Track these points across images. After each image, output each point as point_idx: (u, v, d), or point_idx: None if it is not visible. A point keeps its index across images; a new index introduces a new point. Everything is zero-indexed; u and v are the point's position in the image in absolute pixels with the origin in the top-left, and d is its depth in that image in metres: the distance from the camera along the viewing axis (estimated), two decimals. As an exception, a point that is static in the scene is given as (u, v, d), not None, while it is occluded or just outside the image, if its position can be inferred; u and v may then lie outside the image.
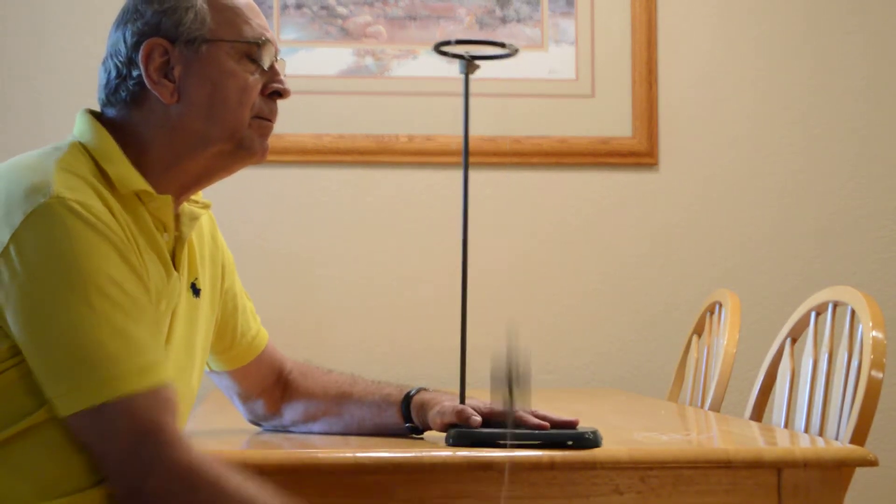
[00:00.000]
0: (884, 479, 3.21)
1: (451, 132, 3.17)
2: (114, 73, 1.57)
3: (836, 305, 2.26)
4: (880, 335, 2.05)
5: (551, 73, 3.28)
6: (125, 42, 1.56)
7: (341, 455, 1.66)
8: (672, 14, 3.34)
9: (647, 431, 1.94)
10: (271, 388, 1.91)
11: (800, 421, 2.23)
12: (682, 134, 3.33)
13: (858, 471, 1.90)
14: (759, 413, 2.45)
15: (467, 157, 1.79)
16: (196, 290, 1.66)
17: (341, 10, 3.24)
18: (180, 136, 1.55)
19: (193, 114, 1.55)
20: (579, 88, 3.29)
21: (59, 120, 3.12)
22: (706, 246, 3.33)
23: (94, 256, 1.39)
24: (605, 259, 3.30)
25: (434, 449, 1.69)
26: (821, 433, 2.15)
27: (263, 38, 1.58)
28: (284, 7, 3.21)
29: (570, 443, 1.69)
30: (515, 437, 1.71)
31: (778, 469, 1.73)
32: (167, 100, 1.54)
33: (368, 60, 3.25)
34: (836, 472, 1.75)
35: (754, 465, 1.73)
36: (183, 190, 1.60)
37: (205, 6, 1.56)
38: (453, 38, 1.77)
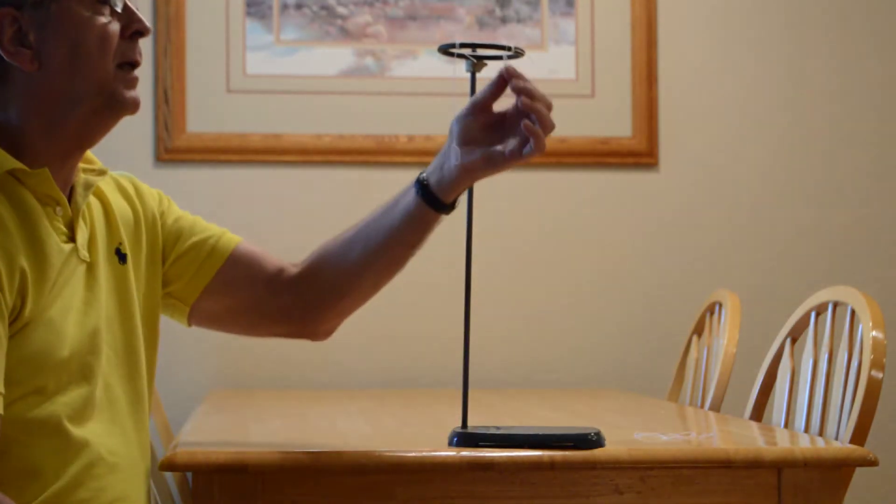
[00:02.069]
0: (884, 479, 3.21)
1: (451, 132, 3.16)
2: None
3: (836, 305, 2.26)
4: (880, 335, 2.05)
5: (551, 73, 3.28)
6: None
7: (341, 455, 1.66)
8: (672, 14, 3.34)
9: (647, 431, 1.94)
10: (277, 286, 1.78)
11: (800, 421, 2.23)
12: (682, 134, 3.33)
13: (858, 471, 1.89)
14: (759, 413, 2.44)
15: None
16: (122, 256, 1.62)
17: (341, 10, 3.23)
18: (49, 102, 1.51)
19: (57, 75, 1.50)
20: (579, 88, 3.29)
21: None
22: (706, 246, 3.33)
23: None
24: (605, 259, 3.30)
25: (434, 449, 1.69)
26: (821, 433, 2.15)
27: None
28: (284, 7, 3.21)
29: (570, 444, 1.69)
30: (517, 437, 1.71)
31: (778, 469, 1.73)
32: (28, 67, 1.49)
33: (368, 60, 3.25)
34: (837, 472, 1.75)
35: (754, 465, 1.73)
36: (66, 157, 1.56)
37: None
38: (454, 38, 1.78)
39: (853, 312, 2.16)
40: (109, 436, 1.54)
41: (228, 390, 2.94)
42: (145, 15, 1.58)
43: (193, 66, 3.18)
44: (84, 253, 1.55)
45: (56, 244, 1.51)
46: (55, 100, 1.51)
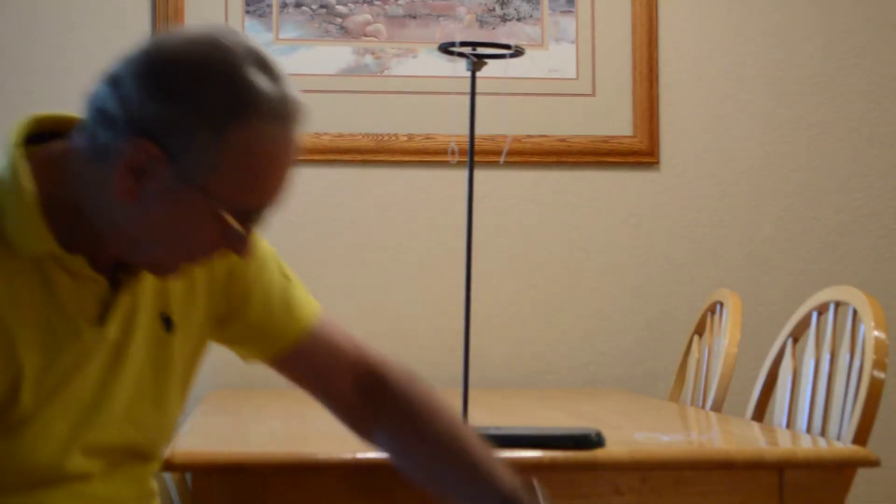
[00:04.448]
0: (886, 479, 3.20)
1: (450, 131, 3.16)
2: (91, 114, 1.31)
3: (837, 305, 2.25)
4: (882, 335, 2.05)
5: (551, 72, 3.27)
6: (124, 105, 1.28)
7: (341, 455, 1.65)
8: (673, 12, 3.33)
9: (648, 432, 1.93)
10: (348, 392, 1.60)
11: (801, 421, 2.22)
12: (683, 133, 3.32)
13: (860, 471, 1.89)
14: (760, 413, 2.44)
15: (472, 154, 1.78)
16: (168, 323, 1.44)
17: (341, 8, 3.23)
18: (111, 227, 1.32)
19: (135, 225, 1.31)
20: (580, 87, 3.28)
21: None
22: (707, 245, 3.32)
23: None
24: (606, 258, 3.29)
25: (434, 449, 1.68)
26: (822, 433, 2.14)
27: (260, 211, 1.32)
28: (283, 5, 3.21)
29: (571, 444, 1.68)
30: (517, 437, 1.70)
31: (780, 469, 1.72)
32: (120, 197, 1.28)
33: (368, 59, 3.24)
34: (838, 472, 1.75)
35: (756, 466, 1.72)
36: (101, 260, 1.37)
37: (225, 154, 1.27)
38: (454, 37, 1.77)
39: (855, 312, 2.15)
40: (107, 484, 1.42)
41: (228, 390, 2.93)
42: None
43: (193, 65, 3.17)
44: (114, 331, 1.39)
45: (77, 329, 1.35)
46: (116, 231, 1.32)
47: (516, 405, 2.56)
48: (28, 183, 1.31)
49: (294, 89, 1.31)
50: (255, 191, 1.30)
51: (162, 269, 1.37)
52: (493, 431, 1.72)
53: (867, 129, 3.38)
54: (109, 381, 1.39)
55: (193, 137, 1.26)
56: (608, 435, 1.72)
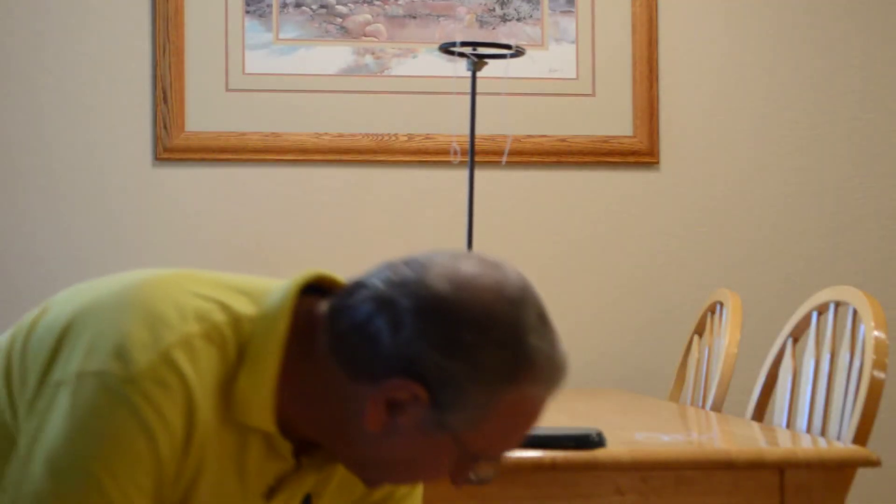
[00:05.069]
0: (886, 479, 3.20)
1: (450, 131, 3.16)
2: (354, 327, 1.26)
3: (837, 305, 2.25)
4: (882, 335, 2.05)
5: (552, 72, 3.27)
6: (398, 338, 1.23)
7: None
8: (673, 12, 3.33)
9: (649, 432, 1.93)
10: None
11: (801, 421, 2.22)
12: (683, 133, 3.32)
13: (860, 471, 1.89)
14: (760, 413, 2.44)
15: (473, 154, 1.78)
16: (307, 501, 1.39)
17: (341, 8, 3.23)
18: (339, 437, 1.29)
19: (369, 447, 1.28)
20: (580, 87, 3.28)
21: (58, 120, 3.11)
22: (707, 245, 3.32)
23: (114, 455, 1.19)
24: (606, 258, 3.29)
25: (434, 449, 1.68)
26: (823, 433, 2.14)
27: (498, 457, 1.30)
28: (284, 5, 3.21)
29: (572, 444, 1.68)
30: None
31: (780, 469, 1.72)
32: (367, 425, 1.25)
33: (368, 59, 3.24)
34: (839, 472, 1.75)
35: (756, 466, 1.72)
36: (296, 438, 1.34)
37: (490, 413, 1.24)
38: (454, 37, 1.77)
39: (855, 312, 2.15)
40: None
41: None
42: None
43: (192, 65, 3.17)
44: None
45: (245, 497, 1.32)
46: (349, 446, 1.29)
47: (516, 405, 2.56)
48: (278, 355, 1.27)
49: (562, 346, 1.30)
50: (504, 444, 1.29)
51: (374, 483, 1.34)
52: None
53: (866, 130, 3.38)
54: None
55: (464, 394, 1.23)
56: (608, 435, 1.72)
